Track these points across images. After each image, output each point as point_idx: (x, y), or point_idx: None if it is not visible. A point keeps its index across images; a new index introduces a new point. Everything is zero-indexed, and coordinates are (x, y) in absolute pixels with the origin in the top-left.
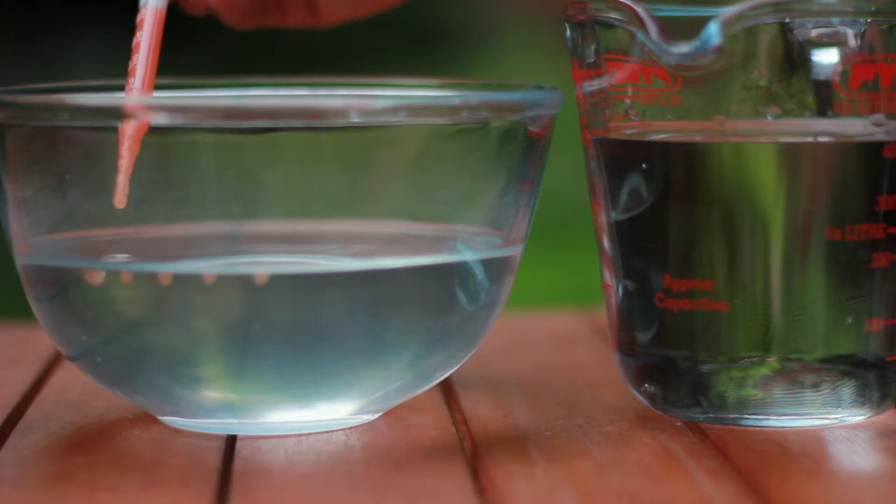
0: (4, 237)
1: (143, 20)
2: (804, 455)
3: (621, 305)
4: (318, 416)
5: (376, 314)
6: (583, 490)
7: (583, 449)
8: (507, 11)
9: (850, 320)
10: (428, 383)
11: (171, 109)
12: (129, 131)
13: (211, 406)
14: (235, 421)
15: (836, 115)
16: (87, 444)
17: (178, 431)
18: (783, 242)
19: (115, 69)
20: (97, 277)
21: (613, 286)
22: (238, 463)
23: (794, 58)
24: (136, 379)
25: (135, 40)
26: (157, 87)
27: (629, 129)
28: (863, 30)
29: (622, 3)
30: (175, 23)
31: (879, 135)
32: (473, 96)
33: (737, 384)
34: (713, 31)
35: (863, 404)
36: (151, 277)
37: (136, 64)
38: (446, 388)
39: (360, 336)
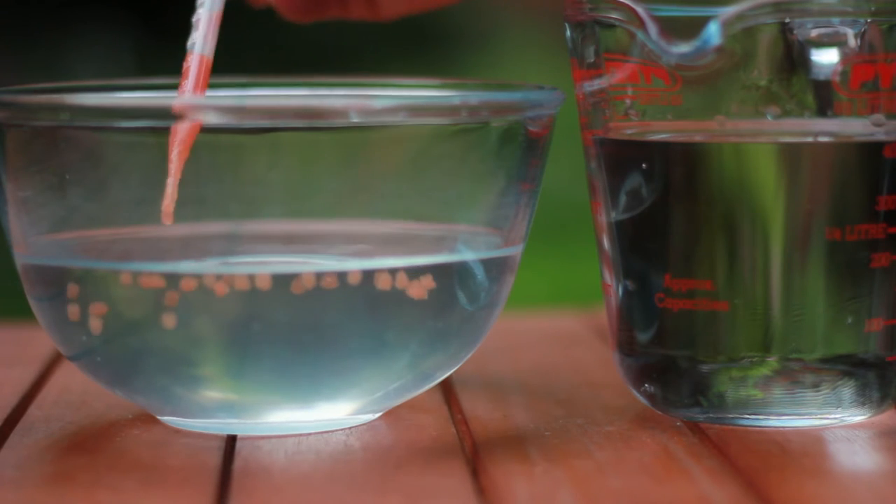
0: (4, 237)
1: (198, 21)
2: (804, 455)
3: (621, 305)
4: (318, 416)
5: (376, 314)
6: (583, 490)
7: (583, 449)
8: (507, 11)
9: (850, 320)
10: (428, 383)
11: (169, 109)
12: (178, 137)
13: (211, 406)
14: (235, 421)
15: (836, 115)
16: (87, 444)
17: (178, 431)
18: (783, 242)
19: (115, 69)
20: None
21: (613, 286)
22: (238, 463)
23: (794, 58)
24: (136, 379)
25: (189, 41)
26: (157, 88)
27: (629, 129)
28: (863, 30)
29: (622, 3)
30: (175, 23)
31: (879, 135)
32: (473, 96)
33: (737, 384)
34: (713, 31)
35: (863, 404)
36: (151, 277)
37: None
38: (446, 388)
39: (360, 336)
